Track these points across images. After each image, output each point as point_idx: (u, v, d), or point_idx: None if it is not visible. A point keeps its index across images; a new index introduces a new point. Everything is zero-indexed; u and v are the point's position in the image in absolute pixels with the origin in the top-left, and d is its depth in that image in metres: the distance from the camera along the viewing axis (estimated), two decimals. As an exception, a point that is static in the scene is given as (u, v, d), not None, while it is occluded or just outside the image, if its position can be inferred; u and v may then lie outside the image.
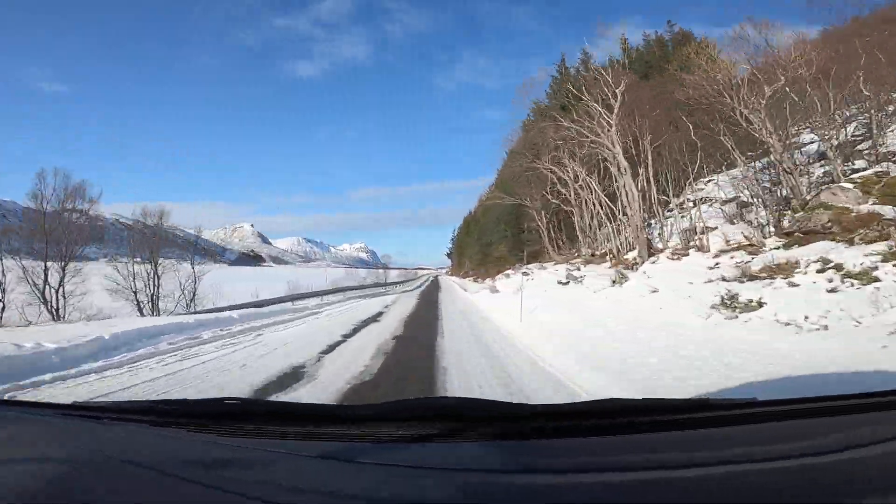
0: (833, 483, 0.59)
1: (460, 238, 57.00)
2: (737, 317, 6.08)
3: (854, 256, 5.85)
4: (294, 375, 4.81)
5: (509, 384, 4.32)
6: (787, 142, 9.69)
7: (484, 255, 36.45)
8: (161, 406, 1.12)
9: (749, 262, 7.57)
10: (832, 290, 5.47)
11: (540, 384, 4.25)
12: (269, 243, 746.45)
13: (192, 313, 12.53)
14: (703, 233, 9.85)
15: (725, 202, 12.29)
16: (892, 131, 10.40)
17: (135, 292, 14.83)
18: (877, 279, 5.28)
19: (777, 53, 9.67)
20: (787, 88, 9.54)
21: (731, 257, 8.24)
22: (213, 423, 0.97)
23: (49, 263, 13.02)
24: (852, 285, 5.37)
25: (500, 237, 31.40)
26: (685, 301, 7.17)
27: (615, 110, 11.63)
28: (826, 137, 9.87)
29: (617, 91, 11.64)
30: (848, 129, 11.19)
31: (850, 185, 7.61)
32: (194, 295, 15.83)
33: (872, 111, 10.06)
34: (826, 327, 4.88)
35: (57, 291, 13.56)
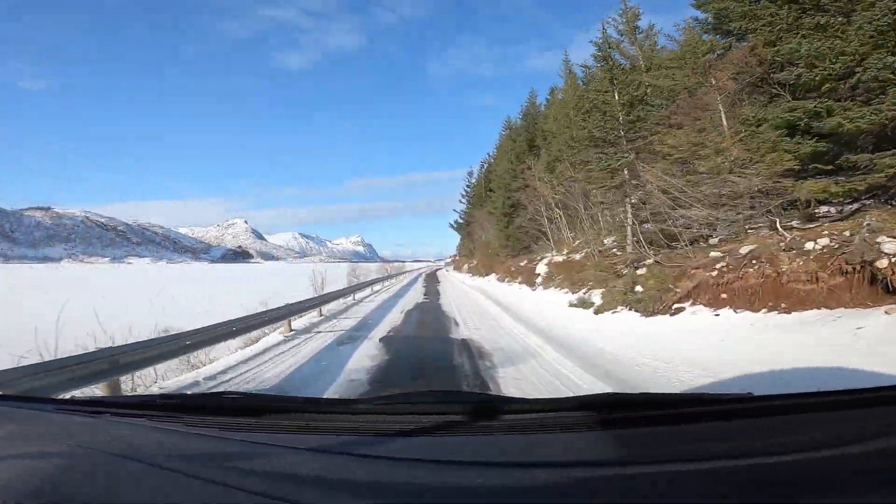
0: (828, 478, 0.61)
1: (492, 179, 31.63)
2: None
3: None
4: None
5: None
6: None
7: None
8: (159, 401, 1.15)
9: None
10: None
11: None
12: (264, 239, 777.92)
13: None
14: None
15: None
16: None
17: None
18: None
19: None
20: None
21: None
22: (212, 417, 1.00)
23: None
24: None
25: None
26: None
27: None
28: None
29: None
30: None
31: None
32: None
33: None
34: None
35: None
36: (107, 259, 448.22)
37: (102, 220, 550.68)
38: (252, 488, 0.64)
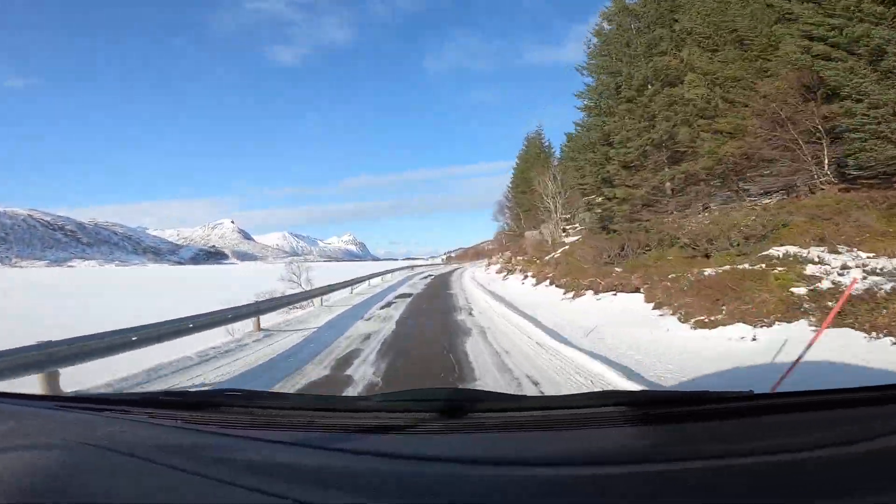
0: (830, 477, 0.65)
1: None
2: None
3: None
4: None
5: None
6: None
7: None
8: (160, 398, 1.23)
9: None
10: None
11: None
12: (252, 239, 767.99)
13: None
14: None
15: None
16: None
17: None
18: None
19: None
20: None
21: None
22: (213, 414, 1.06)
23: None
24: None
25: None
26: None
27: None
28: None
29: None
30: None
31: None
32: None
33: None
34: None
35: None
36: (44, 262, 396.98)
37: (48, 218, 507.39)
38: (250, 484, 0.67)
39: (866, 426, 0.76)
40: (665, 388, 3.77)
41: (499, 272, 29.33)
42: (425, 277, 30.20)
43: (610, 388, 4.30)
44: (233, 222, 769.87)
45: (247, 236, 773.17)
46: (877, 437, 0.70)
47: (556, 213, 27.95)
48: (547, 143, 41.19)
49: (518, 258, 29.64)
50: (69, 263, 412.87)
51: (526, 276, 21.21)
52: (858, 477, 0.63)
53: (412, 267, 46.95)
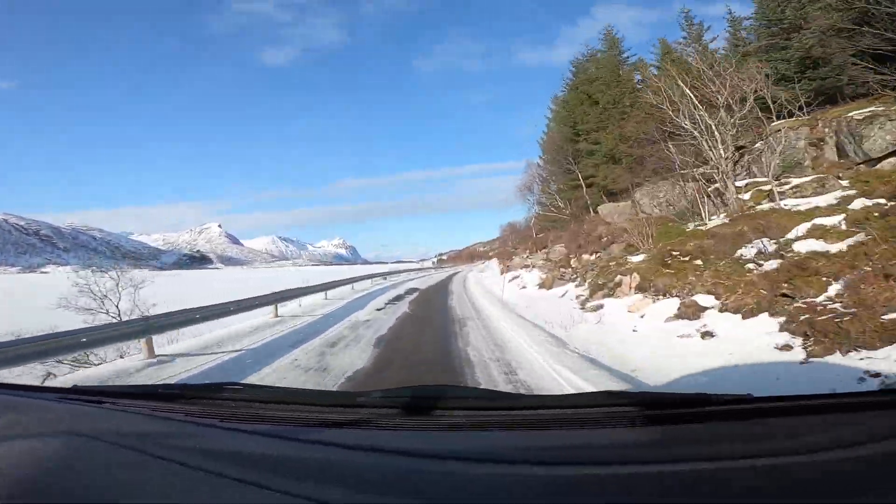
0: (826, 481, 0.66)
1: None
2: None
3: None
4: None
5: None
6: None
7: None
8: (161, 390, 1.23)
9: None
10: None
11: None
12: (240, 244, 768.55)
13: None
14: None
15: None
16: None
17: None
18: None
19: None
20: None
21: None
22: (211, 407, 1.07)
23: None
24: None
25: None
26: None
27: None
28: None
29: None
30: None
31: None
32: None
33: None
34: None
35: None
36: (17, 268, 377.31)
37: (22, 223, 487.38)
38: (247, 477, 0.68)
39: (866, 431, 0.76)
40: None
41: (544, 286, 14.80)
42: (397, 300, 15.27)
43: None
44: (220, 226, 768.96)
45: (234, 241, 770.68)
46: (876, 442, 0.71)
47: (727, 150, 12.28)
48: (629, 52, 26.99)
49: (589, 256, 15.01)
50: (43, 269, 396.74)
51: (696, 313, 6.81)
52: (857, 481, 0.64)
53: (385, 276, 29.30)
